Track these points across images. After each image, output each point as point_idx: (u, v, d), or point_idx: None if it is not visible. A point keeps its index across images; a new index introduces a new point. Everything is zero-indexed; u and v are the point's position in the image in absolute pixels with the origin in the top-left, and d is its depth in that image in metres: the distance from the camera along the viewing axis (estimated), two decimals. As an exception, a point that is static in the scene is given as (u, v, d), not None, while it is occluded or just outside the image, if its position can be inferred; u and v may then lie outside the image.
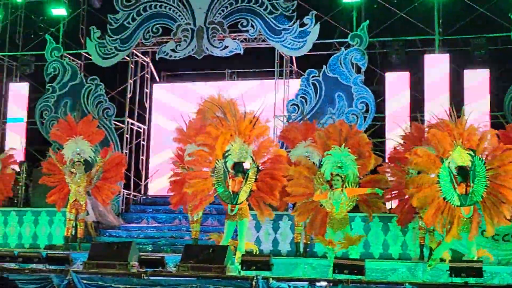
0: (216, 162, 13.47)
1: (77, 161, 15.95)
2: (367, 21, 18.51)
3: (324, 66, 18.53)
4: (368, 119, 18.08)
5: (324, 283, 10.68)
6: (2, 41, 21.36)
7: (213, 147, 13.46)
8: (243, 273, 11.22)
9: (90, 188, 16.13)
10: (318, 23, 18.70)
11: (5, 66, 21.54)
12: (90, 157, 16.29)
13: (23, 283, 11.62)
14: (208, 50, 19.27)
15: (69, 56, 20.63)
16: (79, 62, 20.86)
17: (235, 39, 19.32)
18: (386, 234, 15.17)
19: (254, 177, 13.34)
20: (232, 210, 13.30)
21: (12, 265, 12.34)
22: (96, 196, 16.27)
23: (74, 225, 16.00)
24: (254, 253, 13.30)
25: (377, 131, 17.74)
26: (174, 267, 11.68)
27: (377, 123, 18.29)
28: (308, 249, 15.01)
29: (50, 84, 20.23)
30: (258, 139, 13.82)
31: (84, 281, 11.54)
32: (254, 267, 11.14)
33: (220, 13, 19.22)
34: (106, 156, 16.18)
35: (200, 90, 19.52)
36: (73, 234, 16.06)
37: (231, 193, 13.30)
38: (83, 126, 16.47)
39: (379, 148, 16.09)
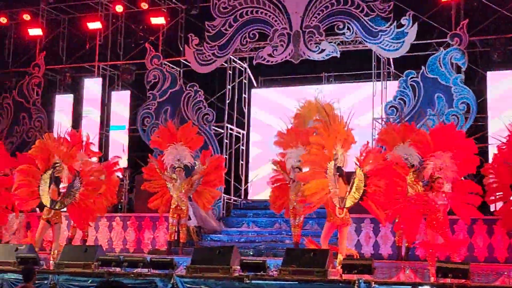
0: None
1: (177, 167, 16.25)
2: (467, 20, 18.13)
3: (422, 67, 18.25)
4: (470, 120, 17.68)
5: (427, 287, 10.53)
6: (104, 51, 21.94)
7: (328, 148, 13.44)
8: (344, 277, 11.17)
9: (191, 193, 16.39)
10: (416, 23, 18.44)
11: (107, 75, 22.12)
12: (190, 163, 16.55)
13: (129, 287, 11.89)
14: (304, 54, 19.27)
15: (168, 64, 21.00)
16: (178, 69, 21.21)
17: (331, 42, 19.26)
18: (491, 237, 14.83)
19: (363, 185, 13.19)
20: (340, 213, 13.25)
21: (118, 269, 12.64)
22: (197, 201, 16.51)
23: (176, 230, 16.26)
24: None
25: (479, 131, 17.33)
26: (276, 271, 11.72)
27: (479, 123, 17.88)
28: (410, 252, 14.81)
29: (151, 92, 20.62)
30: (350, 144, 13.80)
31: (188, 285, 11.74)
32: (356, 271, 11.07)
33: (316, 17, 19.20)
34: (205, 162, 16.39)
35: (297, 94, 19.57)
36: (176, 238, 16.33)
37: (338, 197, 13.27)
38: (183, 132, 16.73)
39: (481, 149, 15.72)
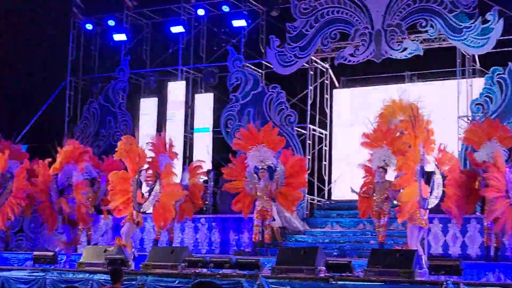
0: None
1: (261, 169, 16.31)
2: (557, 13, 17.66)
3: (509, 63, 17.84)
4: (558, 116, 17.22)
5: (518, 288, 10.32)
6: (187, 54, 22.22)
7: (414, 149, 13.34)
8: (432, 277, 11.03)
9: (274, 194, 16.41)
10: (502, 18, 18.04)
11: (190, 79, 22.39)
12: (273, 164, 16.58)
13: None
14: (387, 53, 19.08)
15: (250, 66, 21.13)
16: (260, 71, 21.31)
17: (414, 40, 19.03)
18: None
19: (442, 185, 13.06)
20: (424, 214, 13.13)
21: (204, 270, 12.78)
22: (281, 202, 16.54)
23: (261, 230, 16.33)
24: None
25: None
26: (361, 271, 11.65)
27: None
28: (499, 253, 14.51)
29: (233, 94, 20.76)
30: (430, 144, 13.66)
31: (273, 286, 11.76)
32: (443, 272, 10.92)
33: (398, 15, 18.98)
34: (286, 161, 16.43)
35: (381, 93, 19.41)
36: (261, 239, 16.40)
37: (422, 198, 13.14)
38: (265, 134, 16.78)
39: None
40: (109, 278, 11.59)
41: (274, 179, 16.36)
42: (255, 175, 16.45)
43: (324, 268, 11.76)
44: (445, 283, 10.39)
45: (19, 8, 22.33)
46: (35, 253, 15.35)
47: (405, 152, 13.83)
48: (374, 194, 15.16)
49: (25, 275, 14.03)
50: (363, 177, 15.49)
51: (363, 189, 15.41)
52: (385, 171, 14.99)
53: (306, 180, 17.16)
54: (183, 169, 17.74)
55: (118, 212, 15.55)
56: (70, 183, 16.95)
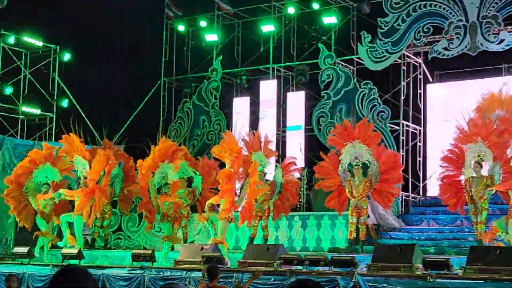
0: None
1: (355, 165, 16.17)
2: None
3: None
4: None
5: None
6: (278, 52, 22.29)
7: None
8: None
9: (369, 191, 16.28)
10: None
11: (281, 77, 22.45)
12: (368, 161, 16.42)
13: (323, 286, 12.01)
14: (482, 45, 18.68)
15: (341, 63, 21.03)
16: (352, 67, 21.18)
17: (511, 32, 18.56)
18: None
19: None
20: None
21: (300, 268, 12.79)
22: (377, 199, 16.38)
23: (356, 228, 16.23)
24: None
25: None
26: (460, 269, 11.43)
27: None
28: None
29: (325, 91, 20.71)
30: None
31: (369, 284, 11.65)
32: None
33: (494, 6, 18.56)
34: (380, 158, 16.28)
35: (477, 87, 19.02)
36: (355, 236, 16.30)
37: None
38: (360, 130, 16.63)
39: None
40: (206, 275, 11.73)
41: (368, 175, 16.19)
42: (349, 172, 16.33)
43: (421, 265, 11.58)
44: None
45: (115, 12, 22.83)
46: (134, 251, 15.67)
47: (501, 147, 13.51)
48: (472, 190, 14.84)
49: (124, 273, 14.33)
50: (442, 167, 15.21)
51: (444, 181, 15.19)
52: (481, 166, 14.67)
53: (401, 176, 16.87)
54: (275, 167, 17.77)
55: (223, 213, 15.66)
56: (167, 182, 17.19)
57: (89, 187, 17.37)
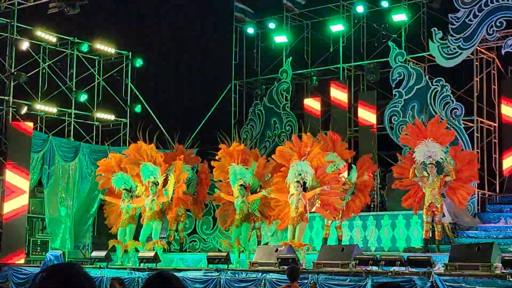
0: None
1: (429, 164, 15.99)
2: None
3: None
4: None
5: None
6: (348, 52, 22.21)
7: None
8: None
9: (444, 190, 16.08)
10: None
11: (352, 76, 22.35)
12: (442, 159, 16.22)
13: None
14: (558, 38, 18.27)
15: (412, 60, 20.82)
16: (423, 65, 20.94)
17: None
18: None
19: None
20: None
21: (375, 268, 12.73)
22: (452, 197, 16.17)
23: (431, 227, 16.05)
24: None
25: None
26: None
27: None
28: None
29: (397, 90, 20.53)
30: None
31: (447, 283, 11.54)
32: None
33: None
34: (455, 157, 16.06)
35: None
36: (431, 236, 16.12)
37: None
38: (432, 127, 16.45)
39: None
40: (282, 277, 11.78)
41: (443, 174, 15.99)
42: (424, 171, 16.15)
43: (500, 264, 11.41)
44: None
45: (184, 16, 23.12)
46: (209, 253, 15.82)
47: None
48: None
49: (200, 275, 14.50)
50: None
51: None
52: None
53: (477, 174, 16.59)
54: (350, 167, 17.72)
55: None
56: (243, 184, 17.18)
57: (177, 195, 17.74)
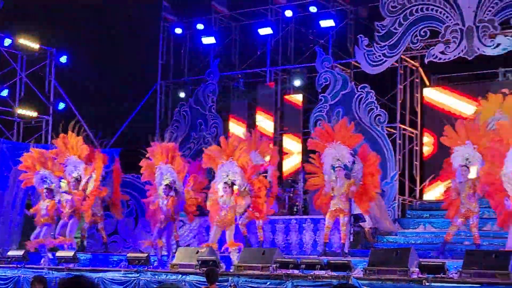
0: None
1: (337, 167, 16.10)
2: None
3: None
4: None
5: None
6: (275, 56, 22.28)
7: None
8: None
9: (352, 195, 16.16)
10: None
11: (279, 80, 22.44)
12: (349, 162, 16.36)
13: (306, 288, 12.02)
14: (479, 49, 18.66)
15: (339, 66, 21.01)
16: (349, 71, 21.16)
17: (508, 35, 18.54)
18: None
19: None
20: None
21: (296, 271, 12.76)
22: (357, 201, 16.23)
23: (353, 231, 16.26)
24: None
25: None
26: (456, 273, 11.41)
27: None
28: None
29: (323, 95, 20.69)
30: None
31: (365, 287, 11.65)
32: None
33: (490, 10, 18.55)
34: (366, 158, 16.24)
35: (472, 91, 19.07)
36: (351, 240, 16.30)
37: None
38: (340, 130, 16.54)
39: None
40: (202, 279, 11.70)
41: (351, 177, 16.10)
42: (332, 175, 16.25)
43: (417, 269, 11.57)
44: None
45: (111, 13, 22.83)
46: (129, 254, 15.63)
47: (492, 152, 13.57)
48: (460, 195, 14.82)
49: (119, 276, 14.31)
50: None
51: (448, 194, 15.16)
52: (468, 169, 14.65)
53: (379, 181, 16.69)
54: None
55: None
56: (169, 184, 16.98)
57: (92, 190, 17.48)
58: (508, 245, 13.32)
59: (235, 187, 15.95)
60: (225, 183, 15.76)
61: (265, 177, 17.16)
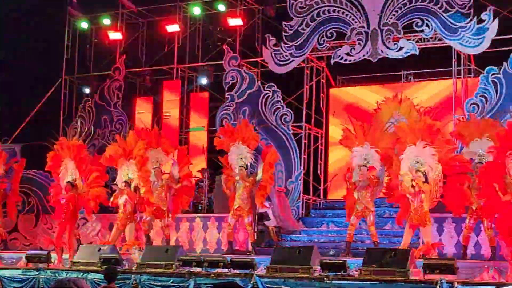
0: None
1: (240, 166, 16.22)
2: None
3: (504, 63, 17.84)
4: (555, 116, 17.18)
5: (511, 288, 10.29)
6: (183, 53, 22.17)
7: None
8: (426, 277, 11.00)
9: (253, 193, 16.31)
10: (497, 18, 18.04)
11: (186, 77, 22.34)
12: (250, 162, 16.51)
13: (210, 287, 11.99)
14: (382, 52, 19.05)
15: (246, 65, 21.08)
16: (256, 70, 21.25)
17: (410, 39, 18.99)
18: None
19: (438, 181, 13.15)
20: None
21: (199, 269, 12.73)
22: (256, 198, 16.38)
23: (257, 230, 16.36)
24: None
25: None
26: (356, 271, 11.62)
27: None
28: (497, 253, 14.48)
29: (229, 93, 20.72)
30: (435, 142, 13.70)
31: (268, 285, 11.74)
32: (438, 271, 10.89)
33: (394, 14, 18.95)
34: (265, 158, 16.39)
35: (376, 92, 19.46)
36: (255, 239, 16.39)
37: None
38: (240, 131, 16.68)
39: None
40: (102, 277, 11.54)
41: (252, 176, 16.28)
42: (236, 174, 16.39)
43: (319, 267, 11.72)
44: (439, 282, 10.37)
45: (14, 5, 22.26)
46: (28, 252, 15.30)
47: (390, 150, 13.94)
48: (356, 194, 15.15)
49: (18, 274, 13.99)
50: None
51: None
52: (367, 169, 14.98)
53: (273, 174, 16.88)
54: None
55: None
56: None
57: None
58: (403, 243, 13.63)
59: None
60: (125, 181, 15.67)
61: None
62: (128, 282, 12.73)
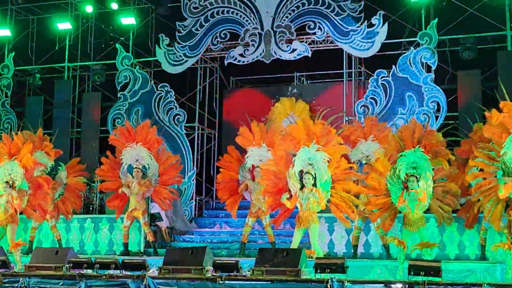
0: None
1: (135, 168, 16.14)
2: (436, 19, 18.26)
3: (393, 66, 18.35)
4: (440, 118, 17.80)
5: (399, 285, 10.55)
6: (74, 51, 21.76)
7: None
8: (317, 276, 11.16)
9: (148, 194, 16.26)
10: (386, 23, 18.53)
11: (77, 76, 21.93)
12: (148, 164, 16.44)
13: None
14: (276, 53, 19.25)
15: (139, 64, 20.90)
16: (149, 69, 21.10)
17: (302, 41, 19.26)
18: (462, 235, 14.92)
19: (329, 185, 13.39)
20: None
21: (90, 271, 12.53)
22: (156, 200, 16.38)
23: (151, 231, 16.31)
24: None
25: (450, 130, 17.39)
26: (249, 271, 11.68)
27: (450, 122, 17.93)
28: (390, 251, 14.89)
29: (122, 93, 20.50)
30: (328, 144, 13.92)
31: (160, 286, 11.66)
32: (329, 270, 11.07)
33: (287, 17, 19.20)
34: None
35: (269, 94, 19.65)
36: (154, 239, 16.34)
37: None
38: (141, 132, 16.58)
39: (451, 147, 15.77)
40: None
41: (147, 177, 16.21)
42: (129, 174, 16.30)
43: (211, 268, 11.73)
44: (330, 281, 10.54)
45: None
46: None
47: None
48: (251, 194, 15.31)
49: None
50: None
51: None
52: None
53: (178, 177, 16.93)
54: (60, 167, 17.39)
55: None
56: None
57: None
58: (293, 243, 13.79)
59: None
60: (6, 182, 15.22)
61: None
62: (16, 285, 12.39)
